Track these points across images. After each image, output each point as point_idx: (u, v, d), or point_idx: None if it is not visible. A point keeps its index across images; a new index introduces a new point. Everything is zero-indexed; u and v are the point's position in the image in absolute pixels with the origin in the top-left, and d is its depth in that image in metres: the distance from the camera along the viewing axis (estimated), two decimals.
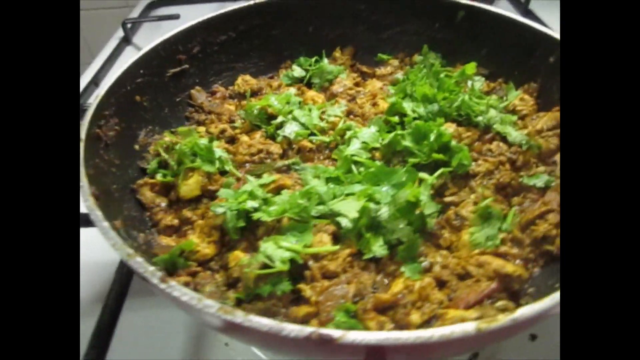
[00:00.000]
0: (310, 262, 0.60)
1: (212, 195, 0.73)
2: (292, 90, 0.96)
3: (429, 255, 0.63)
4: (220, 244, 0.66)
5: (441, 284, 0.60)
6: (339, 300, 0.55)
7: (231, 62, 1.02)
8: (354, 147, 0.78)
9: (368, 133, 0.81)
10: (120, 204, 0.69)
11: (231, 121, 0.91)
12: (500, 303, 0.56)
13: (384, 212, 0.64)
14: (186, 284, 0.58)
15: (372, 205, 0.64)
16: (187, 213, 0.71)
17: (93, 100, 0.71)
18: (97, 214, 0.54)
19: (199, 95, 0.96)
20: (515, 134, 0.80)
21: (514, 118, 0.84)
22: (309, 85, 1.03)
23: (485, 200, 0.68)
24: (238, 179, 0.76)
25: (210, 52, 0.97)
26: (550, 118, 0.82)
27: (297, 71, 1.04)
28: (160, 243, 0.67)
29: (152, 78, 0.85)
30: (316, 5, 1.04)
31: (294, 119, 0.86)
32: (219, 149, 0.79)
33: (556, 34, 0.83)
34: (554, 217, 0.66)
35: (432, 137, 0.74)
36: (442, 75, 0.91)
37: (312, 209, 0.64)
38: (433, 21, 1.02)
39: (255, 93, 0.98)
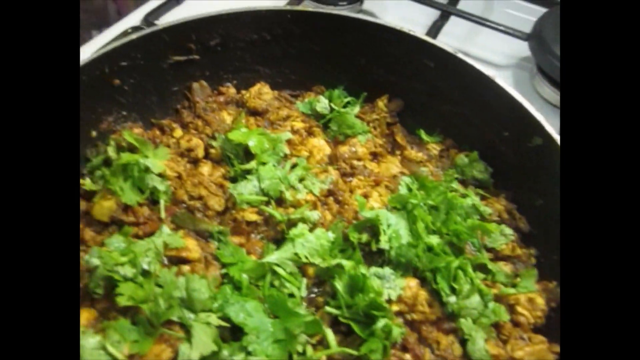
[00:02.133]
0: None
1: (119, 223, 0.68)
2: (286, 134, 0.80)
3: None
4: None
5: None
6: None
7: (256, 64, 0.88)
8: (282, 253, 0.65)
9: (312, 244, 0.66)
10: None
11: (212, 137, 0.81)
12: None
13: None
14: None
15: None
16: (87, 233, 0.67)
17: None
18: None
19: (200, 90, 0.85)
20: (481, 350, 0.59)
21: (504, 317, 0.62)
22: (326, 127, 0.86)
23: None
24: (159, 218, 0.69)
25: (233, 47, 0.84)
26: (538, 352, 0.59)
27: (322, 105, 0.87)
28: None
29: (146, 62, 0.76)
30: (379, 36, 0.82)
31: (259, 177, 0.73)
32: (158, 178, 0.71)
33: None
34: None
35: (366, 301, 0.58)
36: (456, 213, 0.68)
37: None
38: (504, 129, 0.75)
39: (257, 113, 0.85)
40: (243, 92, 0.88)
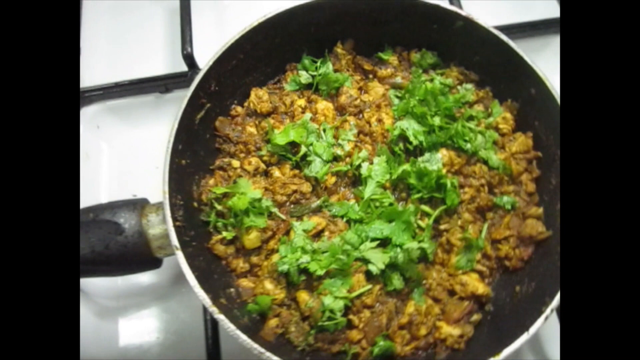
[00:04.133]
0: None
1: (267, 240, 0.97)
2: (308, 115, 1.06)
3: (428, 277, 0.95)
4: (287, 286, 0.93)
5: (436, 300, 0.94)
6: (377, 329, 0.88)
7: (242, 79, 1.07)
8: (370, 188, 0.98)
9: (379, 171, 0.99)
10: (201, 261, 0.92)
11: (257, 148, 1.05)
12: (474, 317, 0.91)
13: (400, 256, 0.91)
14: (277, 326, 0.89)
15: (392, 254, 0.91)
16: (254, 259, 0.96)
17: (164, 199, 0.85)
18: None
19: (223, 126, 1.05)
20: (494, 159, 1.01)
21: (496, 135, 1.04)
22: (317, 90, 1.11)
23: (467, 232, 0.96)
24: (283, 221, 0.98)
25: (224, 80, 1.02)
26: (522, 143, 1.02)
27: (304, 77, 1.11)
28: (242, 286, 0.94)
29: (187, 136, 0.95)
30: (317, 8, 1.03)
31: (316, 153, 1.01)
32: (258, 191, 0.98)
33: (539, 70, 0.95)
34: (514, 241, 0.96)
35: (433, 179, 0.96)
36: (440, 97, 1.03)
37: (350, 261, 0.91)
38: (432, 23, 1.06)
39: (270, 113, 1.08)
40: (246, 104, 1.09)
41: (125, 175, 1.28)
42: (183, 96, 0.94)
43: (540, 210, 0.98)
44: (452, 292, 0.94)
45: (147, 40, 1.43)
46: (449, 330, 0.89)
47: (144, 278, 1.16)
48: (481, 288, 0.93)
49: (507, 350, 0.75)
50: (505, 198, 1.01)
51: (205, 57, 0.99)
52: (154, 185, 1.18)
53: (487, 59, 1.05)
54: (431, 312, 0.91)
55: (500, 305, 0.93)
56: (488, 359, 0.77)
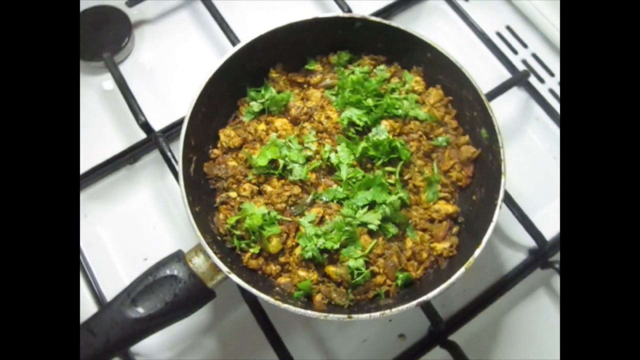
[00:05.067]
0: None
1: (285, 241, 1.19)
2: (273, 134, 1.28)
3: (412, 217, 1.23)
4: (315, 268, 1.17)
5: (424, 230, 1.22)
6: (394, 268, 1.15)
7: (209, 126, 1.26)
8: (344, 171, 1.24)
9: (344, 155, 1.25)
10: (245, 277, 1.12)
11: (244, 175, 1.25)
12: (454, 230, 1.21)
13: (387, 210, 1.19)
14: (322, 299, 1.12)
15: (380, 211, 1.18)
16: (282, 259, 1.18)
17: (200, 241, 1.03)
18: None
19: (211, 169, 1.24)
20: (421, 114, 1.31)
21: (415, 96, 1.34)
22: (270, 112, 1.34)
23: (425, 173, 1.26)
24: (290, 222, 1.21)
25: (198, 133, 1.20)
26: (435, 95, 1.33)
27: (255, 105, 1.33)
28: (282, 283, 1.16)
29: (191, 188, 1.13)
30: (247, 51, 1.25)
31: (292, 161, 1.24)
32: (263, 208, 1.19)
33: (425, 38, 1.26)
34: (458, 166, 1.27)
35: (386, 146, 1.24)
36: (365, 83, 1.31)
37: (354, 229, 1.16)
38: (337, 29, 1.32)
39: (242, 144, 1.29)
40: (219, 145, 1.28)
41: (130, 246, 1.42)
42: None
43: (467, 137, 1.30)
44: (432, 220, 1.24)
45: (96, 124, 1.55)
46: (441, 246, 1.19)
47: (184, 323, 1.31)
48: (450, 208, 1.24)
49: (484, 239, 1.06)
50: (440, 139, 1.31)
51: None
52: (162, 242, 1.36)
53: (387, 42, 1.33)
54: (424, 240, 1.20)
55: (467, 214, 1.24)
56: (474, 251, 1.06)
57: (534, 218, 1.33)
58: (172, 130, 1.44)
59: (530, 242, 1.34)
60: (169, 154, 1.35)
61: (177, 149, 1.14)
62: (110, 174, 1.47)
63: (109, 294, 1.20)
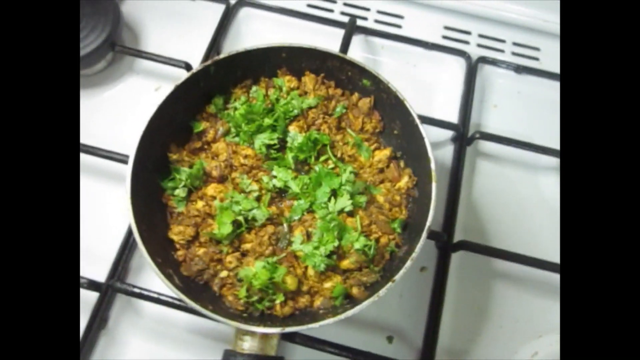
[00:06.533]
0: None
1: (295, 274, 1.23)
2: (216, 202, 1.29)
3: (366, 179, 1.36)
4: (333, 272, 1.24)
5: (382, 181, 1.37)
6: (385, 222, 1.28)
7: (156, 237, 1.23)
8: (293, 186, 1.31)
9: (283, 174, 1.32)
10: None
11: (219, 252, 1.26)
12: (401, 163, 1.38)
13: (348, 187, 1.30)
14: (359, 288, 1.21)
15: (344, 192, 1.29)
16: (304, 289, 1.22)
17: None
18: None
19: (189, 268, 1.22)
20: (311, 101, 1.43)
21: (296, 91, 1.45)
22: (196, 188, 1.34)
23: (348, 142, 1.39)
24: (286, 255, 1.25)
25: (155, 246, 1.17)
26: (309, 80, 1.46)
27: (181, 191, 1.32)
28: (322, 302, 1.21)
29: None
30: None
31: (249, 210, 1.28)
32: (259, 262, 1.22)
33: (261, 45, 1.37)
34: (367, 119, 1.43)
35: (305, 144, 1.34)
36: (253, 109, 1.38)
37: (341, 220, 1.25)
38: (197, 82, 1.36)
39: (197, 233, 1.28)
40: (180, 252, 1.26)
41: None
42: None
43: (356, 94, 1.46)
44: (381, 170, 1.38)
45: None
46: (403, 182, 1.35)
47: None
48: (387, 152, 1.39)
49: (430, 155, 1.23)
50: (337, 109, 1.44)
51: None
52: None
53: (244, 67, 1.41)
54: (387, 187, 1.35)
55: (400, 146, 1.40)
56: (430, 164, 1.23)
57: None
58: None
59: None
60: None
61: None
62: None
63: None
